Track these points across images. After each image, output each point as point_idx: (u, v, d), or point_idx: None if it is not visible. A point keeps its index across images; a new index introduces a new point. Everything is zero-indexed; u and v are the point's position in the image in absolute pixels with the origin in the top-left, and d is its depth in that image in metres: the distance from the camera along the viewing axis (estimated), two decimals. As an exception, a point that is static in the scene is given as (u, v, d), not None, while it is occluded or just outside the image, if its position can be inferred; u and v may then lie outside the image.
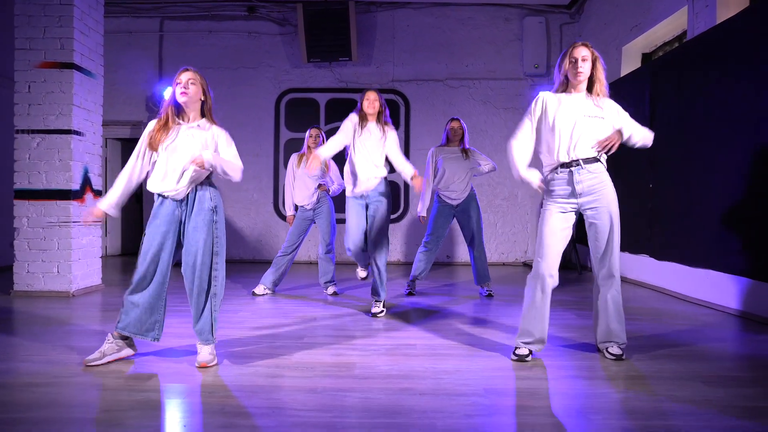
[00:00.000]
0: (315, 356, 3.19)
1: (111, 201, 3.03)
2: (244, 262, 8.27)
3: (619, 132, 3.06)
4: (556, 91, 3.17)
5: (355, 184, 4.35)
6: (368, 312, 4.45)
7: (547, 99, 3.14)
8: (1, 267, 6.89)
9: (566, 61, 3.07)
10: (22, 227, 5.15)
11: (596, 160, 3.06)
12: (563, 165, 3.06)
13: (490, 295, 5.34)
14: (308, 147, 5.38)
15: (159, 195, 2.99)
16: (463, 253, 8.39)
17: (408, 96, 8.45)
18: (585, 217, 3.17)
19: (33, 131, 5.14)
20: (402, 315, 4.45)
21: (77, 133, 5.21)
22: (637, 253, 6.15)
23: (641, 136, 3.15)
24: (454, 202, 5.26)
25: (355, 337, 3.68)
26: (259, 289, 5.31)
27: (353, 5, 7.77)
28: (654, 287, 5.86)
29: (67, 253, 5.13)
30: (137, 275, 2.97)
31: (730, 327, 4.10)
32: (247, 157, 8.22)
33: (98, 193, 5.59)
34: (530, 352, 3.09)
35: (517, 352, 3.10)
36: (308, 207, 5.33)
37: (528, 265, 8.23)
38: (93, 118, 5.50)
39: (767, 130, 4.09)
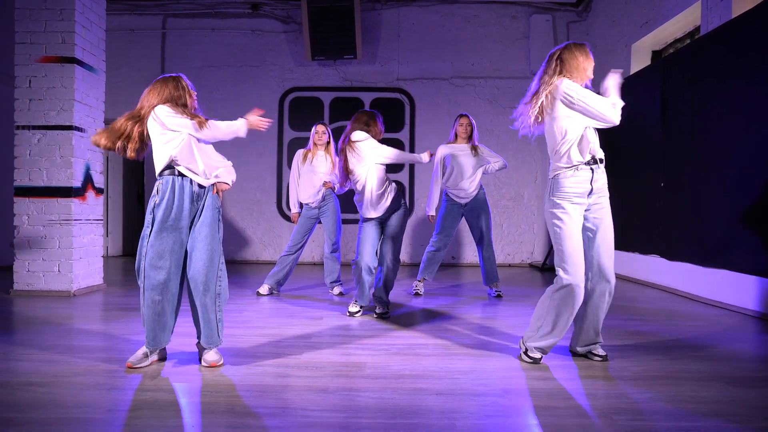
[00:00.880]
0: (324, 356, 3.09)
1: None
2: (247, 263, 8.17)
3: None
4: None
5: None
6: (374, 311, 4.34)
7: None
8: (2, 267, 6.80)
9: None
10: (23, 225, 5.05)
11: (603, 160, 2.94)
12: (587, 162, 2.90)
13: (499, 296, 5.23)
14: (314, 143, 5.28)
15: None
16: (468, 254, 8.28)
17: (413, 95, 8.35)
18: (586, 218, 2.97)
19: (34, 127, 5.04)
20: (410, 315, 4.34)
21: (79, 129, 5.12)
22: (648, 254, 6.04)
23: None
24: (463, 201, 5.15)
25: (364, 337, 3.57)
26: (264, 289, 5.21)
27: (358, 3, 7.67)
28: (665, 288, 5.75)
29: (69, 251, 5.03)
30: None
31: (748, 328, 3.99)
32: (250, 156, 8.17)
33: (100, 191, 5.49)
34: (541, 356, 2.98)
35: (530, 354, 2.98)
36: (313, 205, 5.23)
37: (534, 267, 8.13)
38: (95, 114, 5.40)
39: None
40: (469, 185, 5.11)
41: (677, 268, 5.51)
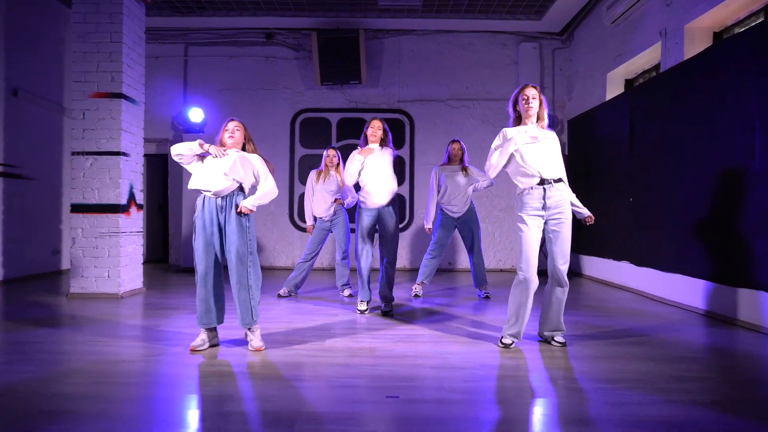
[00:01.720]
0: (342, 342, 3.91)
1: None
2: (264, 268, 8.96)
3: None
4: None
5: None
6: (379, 309, 5.15)
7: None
8: (46, 273, 7.62)
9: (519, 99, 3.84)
10: (78, 237, 5.87)
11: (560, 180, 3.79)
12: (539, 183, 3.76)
13: (487, 297, 6.04)
14: (326, 165, 6.10)
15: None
16: (463, 260, 9.09)
17: (412, 115, 9.19)
18: (546, 229, 3.82)
19: (87, 153, 5.88)
20: (410, 312, 5.16)
21: (125, 154, 5.95)
22: (619, 260, 6.87)
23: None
24: (456, 215, 5.96)
25: (372, 329, 4.39)
26: (284, 291, 6.02)
27: (363, 33, 8.53)
28: (634, 290, 6.56)
29: (116, 260, 5.86)
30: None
31: (690, 322, 4.80)
32: (265, 172, 8.97)
33: (140, 207, 6.32)
34: (513, 341, 3.80)
35: (503, 341, 3.81)
36: (326, 219, 6.04)
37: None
38: (136, 140, 6.24)
39: (725, 154, 4.81)
40: (461, 201, 5.92)
41: (644, 273, 6.32)
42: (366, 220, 4.99)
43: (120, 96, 5.88)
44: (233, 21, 8.73)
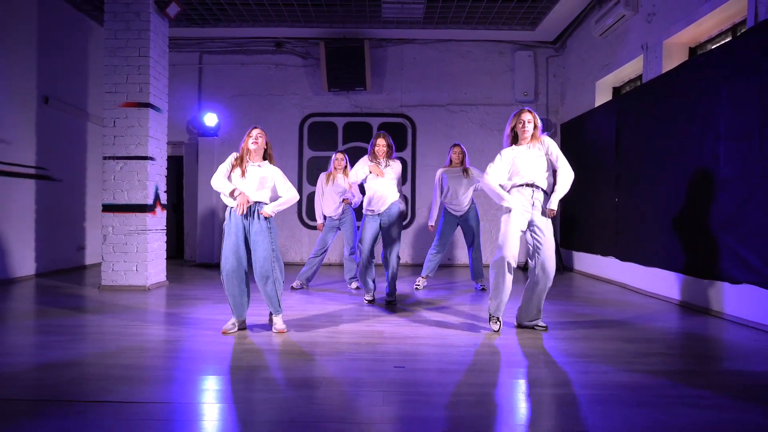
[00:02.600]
0: (354, 327, 4.46)
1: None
2: (273, 264, 9.52)
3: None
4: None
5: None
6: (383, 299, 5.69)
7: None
8: (72, 268, 8.18)
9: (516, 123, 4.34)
10: (109, 234, 6.42)
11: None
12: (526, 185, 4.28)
13: (483, 289, 6.57)
14: (334, 168, 6.62)
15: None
16: (461, 256, 9.64)
17: (414, 119, 9.73)
18: (532, 233, 4.29)
19: (117, 157, 6.42)
20: (413, 303, 5.70)
21: (151, 158, 6.50)
22: (606, 255, 7.42)
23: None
24: (458, 213, 6.47)
25: (379, 316, 4.93)
26: (296, 284, 6.56)
27: (368, 42, 9.08)
28: (619, 283, 7.10)
29: (144, 255, 6.40)
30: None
31: (665, 311, 5.34)
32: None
33: (164, 206, 6.86)
34: (501, 323, 4.31)
35: (493, 326, 4.31)
36: (335, 217, 6.56)
37: (521, 268, 9.48)
38: (161, 145, 6.79)
39: (696, 160, 5.34)
40: (463, 200, 6.41)
41: (628, 267, 6.86)
42: (369, 226, 5.43)
43: (147, 105, 6.42)
44: (245, 31, 9.26)
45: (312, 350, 3.73)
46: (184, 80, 9.70)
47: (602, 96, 8.13)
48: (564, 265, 8.75)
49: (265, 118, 9.62)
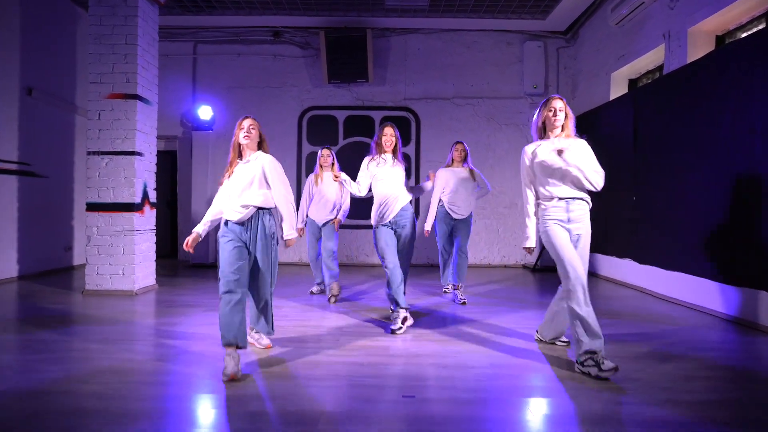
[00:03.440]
0: (356, 342, 4.05)
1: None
2: (270, 264, 9.12)
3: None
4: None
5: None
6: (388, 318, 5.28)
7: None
8: (59, 269, 7.77)
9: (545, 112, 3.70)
10: (93, 235, 6.01)
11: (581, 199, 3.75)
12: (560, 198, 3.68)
13: (464, 303, 5.81)
14: (320, 166, 5.94)
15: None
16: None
17: (418, 113, 9.30)
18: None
19: (102, 153, 6.00)
20: (416, 313, 5.30)
21: (139, 154, 6.08)
22: (622, 257, 7.01)
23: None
24: (456, 216, 5.91)
25: (383, 331, 4.52)
26: (316, 289, 6.20)
27: (370, 32, 8.64)
28: (636, 287, 6.70)
29: (131, 257, 6.00)
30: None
31: (697, 323, 4.94)
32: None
33: (153, 205, 6.44)
34: (613, 367, 3.25)
35: (604, 371, 3.25)
36: (320, 224, 5.85)
37: (527, 268, 9.08)
38: (150, 140, 6.36)
39: (726, 156, 4.92)
40: (464, 204, 5.89)
41: (647, 270, 6.45)
42: (383, 236, 4.60)
43: (135, 97, 5.99)
44: (242, 20, 8.82)
45: (311, 373, 3.32)
46: (177, 71, 9.27)
47: (617, 88, 7.70)
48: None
49: (263, 111, 9.19)
